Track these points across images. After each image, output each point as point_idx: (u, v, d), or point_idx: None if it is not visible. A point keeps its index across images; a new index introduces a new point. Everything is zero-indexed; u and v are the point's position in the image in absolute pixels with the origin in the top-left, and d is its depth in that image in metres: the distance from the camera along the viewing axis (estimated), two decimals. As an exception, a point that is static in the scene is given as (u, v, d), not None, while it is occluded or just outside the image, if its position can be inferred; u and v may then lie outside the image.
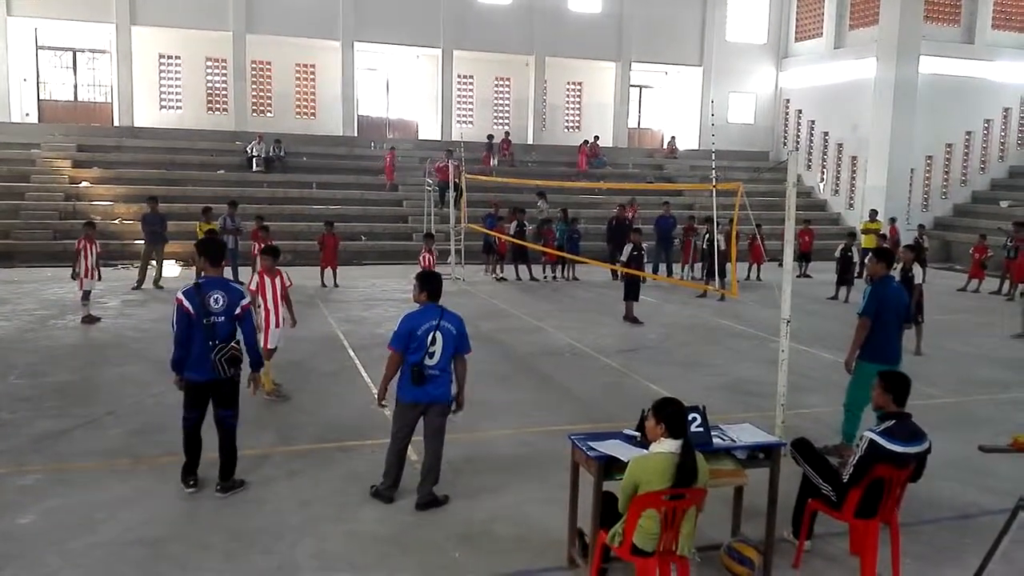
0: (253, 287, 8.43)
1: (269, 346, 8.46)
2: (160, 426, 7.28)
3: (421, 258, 14.42)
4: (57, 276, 16.55)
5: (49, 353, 10.42)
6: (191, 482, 5.99)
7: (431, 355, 5.71)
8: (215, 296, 5.83)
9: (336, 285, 16.65)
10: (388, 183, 24.24)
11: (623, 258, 13.71)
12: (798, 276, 19.06)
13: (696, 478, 4.18)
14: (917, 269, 11.67)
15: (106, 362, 10.02)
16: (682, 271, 19.29)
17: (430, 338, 5.70)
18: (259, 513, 5.70)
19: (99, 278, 12.98)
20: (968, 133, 27.26)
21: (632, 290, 13.46)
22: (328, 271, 16.88)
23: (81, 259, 12.35)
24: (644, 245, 14.22)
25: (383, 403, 6.03)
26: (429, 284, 5.95)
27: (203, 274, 6.10)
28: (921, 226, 21.30)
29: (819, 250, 21.22)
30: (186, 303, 5.78)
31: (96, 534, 5.32)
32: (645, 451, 4.38)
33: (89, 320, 12.31)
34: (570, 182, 23.46)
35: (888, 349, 6.92)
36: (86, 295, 12.47)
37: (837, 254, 17.23)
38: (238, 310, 5.92)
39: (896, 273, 8.45)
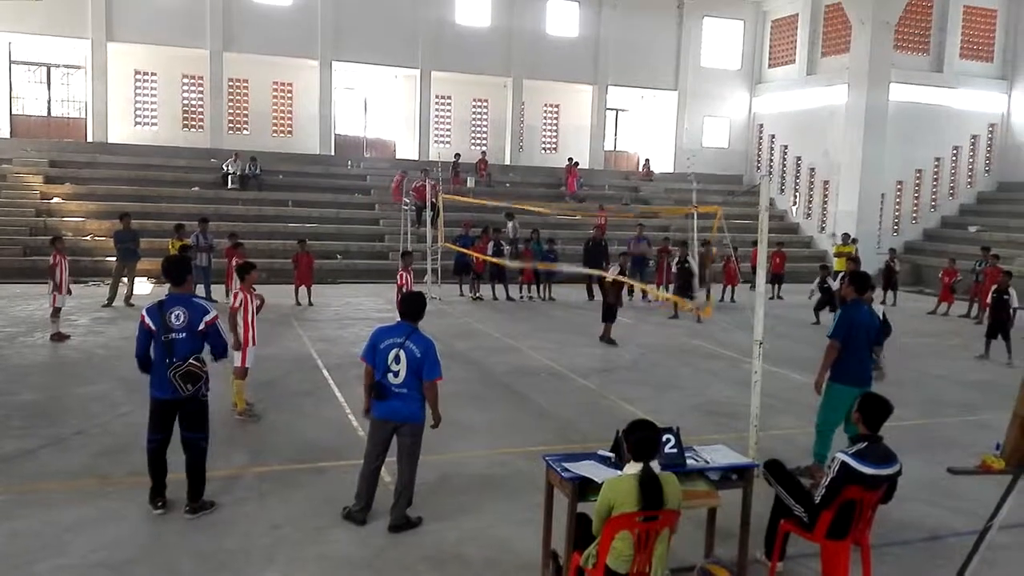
0: (237, 304, 8.38)
1: (247, 364, 8.39)
2: (128, 446, 7.17)
3: (399, 277, 14.34)
4: (27, 293, 16.32)
5: (16, 371, 10.24)
6: (159, 504, 5.90)
7: (395, 374, 5.69)
8: (176, 313, 5.79)
9: (311, 304, 16.55)
10: (394, 202, 23.99)
11: (609, 277, 13.66)
12: (770, 298, 19.23)
13: (662, 500, 4.18)
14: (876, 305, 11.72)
15: (74, 381, 9.86)
16: (657, 291, 19.37)
17: (392, 355, 5.69)
18: (229, 535, 5.62)
19: (70, 293, 12.83)
20: (937, 159, 27.80)
21: (610, 311, 13.50)
22: (303, 289, 16.77)
23: (57, 273, 12.19)
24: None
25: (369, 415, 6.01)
26: (405, 303, 6.01)
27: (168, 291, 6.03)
28: (892, 250, 21.60)
29: (790, 272, 21.45)
30: (148, 319, 5.78)
31: (62, 556, 5.21)
32: (619, 472, 4.38)
33: (58, 338, 12.12)
34: (548, 204, 23.55)
35: (858, 371, 6.99)
36: (56, 312, 12.29)
37: (814, 287, 17.10)
38: (201, 326, 5.87)
39: None
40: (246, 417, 8.34)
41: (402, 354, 5.69)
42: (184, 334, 5.79)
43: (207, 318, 5.90)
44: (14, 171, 22.28)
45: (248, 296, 8.44)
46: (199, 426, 5.96)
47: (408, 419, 5.77)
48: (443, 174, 21.22)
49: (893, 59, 25.01)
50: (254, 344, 8.51)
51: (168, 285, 6.04)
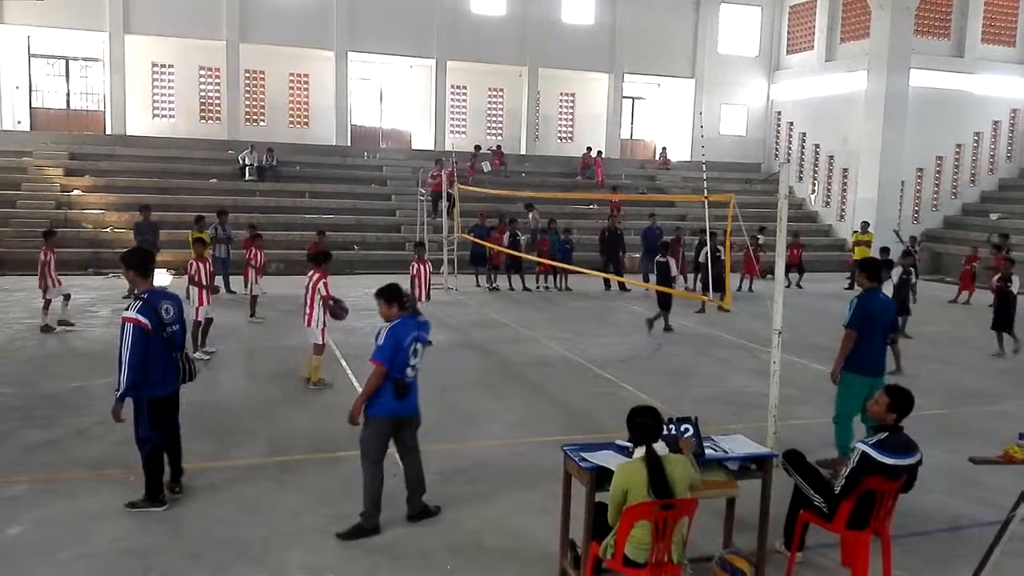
0: (325, 293, 9.20)
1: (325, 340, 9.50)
2: (150, 436, 7.23)
3: (411, 267, 14.29)
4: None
5: (38, 362, 10.37)
6: (176, 489, 6.01)
7: (413, 367, 5.67)
8: (166, 307, 5.79)
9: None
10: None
11: (673, 273, 13.84)
12: (787, 287, 19.08)
13: (667, 481, 4.21)
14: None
15: (95, 371, 9.95)
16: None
17: (411, 349, 5.66)
18: (249, 523, 5.68)
19: (59, 285, 12.76)
20: (958, 146, 27.44)
21: (666, 300, 13.69)
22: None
23: (42, 269, 12.25)
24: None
25: (358, 421, 5.69)
26: (399, 296, 5.75)
27: (137, 287, 5.91)
28: (913, 238, 21.37)
29: (810, 261, 21.30)
30: (143, 320, 5.54)
31: (86, 545, 5.28)
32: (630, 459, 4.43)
33: (47, 329, 12.14)
34: (564, 194, 23.56)
35: (872, 360, 6.95)
36: (47, 304, 12.32)
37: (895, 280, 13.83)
38: (184, 315, 5.98)
39: None
40: (320, 386, 9.31)
41: (418, 345, 5.72)
42: (177, 326, 5.85)
43: (184, 307, 6.04)
44: (34, 164, 22.49)
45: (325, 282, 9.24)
46: (178, 410, 6.11)
47: (417, 410, 5.84)
48: (460, 164, 21.21)
49: (913, 44, 24.66)
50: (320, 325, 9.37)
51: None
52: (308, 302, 9.32)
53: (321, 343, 9.43)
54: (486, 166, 25.96)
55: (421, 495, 5.85)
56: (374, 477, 5.63)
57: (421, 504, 5.83)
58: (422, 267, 13.90)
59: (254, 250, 14.25)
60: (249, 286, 14.08)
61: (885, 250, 15.37)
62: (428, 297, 13.42)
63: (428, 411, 8.57)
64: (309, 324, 9.38)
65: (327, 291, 9.21)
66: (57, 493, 6.09)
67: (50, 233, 13.08)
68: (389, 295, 5.71)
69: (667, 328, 13.75)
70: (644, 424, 4.35)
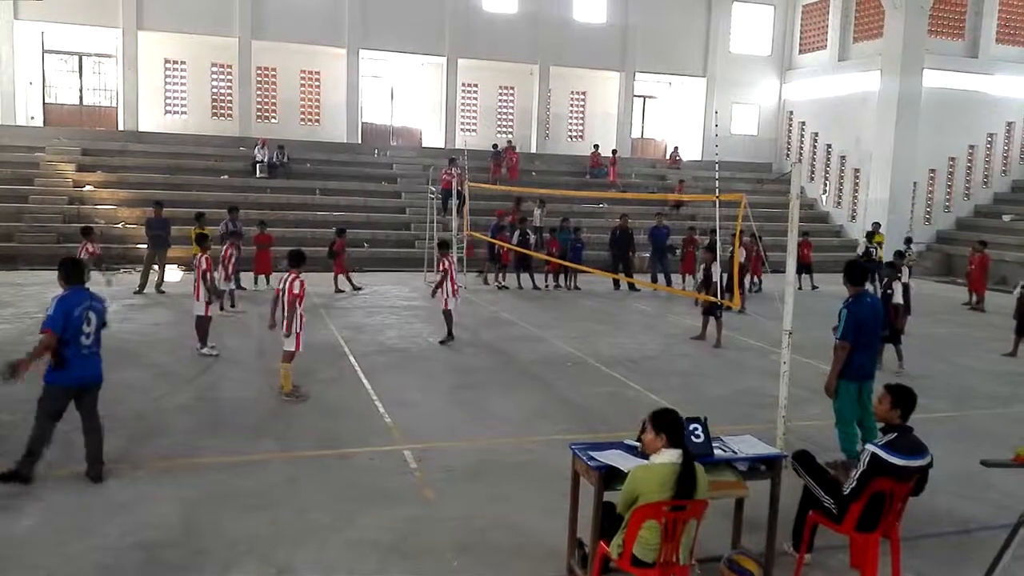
0: (297, 290, 8.75)
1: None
2: (159, 431, 7.27)
3: (448, 266, 13.68)
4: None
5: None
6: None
7: (87, 335, 6.06)
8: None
9: (355, 288, 16.89)
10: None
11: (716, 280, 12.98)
12: (799, 288, 18.97)
13: (695, 488, 4.18)
14: (896, 286, 11.28)
15: (106, 366, 9.94)
16: (683, 281, 19.27)
17: (84, 318, 6.03)
18: (258, 520, 5.68)
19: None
20: (971, 147, 27.27)
21: (711, 308, 12.70)
22: (341, 276, 16.98)
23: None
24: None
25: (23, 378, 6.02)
26: (71, 268, 6.34)
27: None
28: (908, 239, 21.36)
29: (820, 262, 21.23)
30: None
31: (94, 538, 5.30)
32: (646, 461, 4.38)
33: None
34: (575, 191, 23.56)
35: (865, 366, 6.92)
36: None
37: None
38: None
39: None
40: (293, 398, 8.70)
41: (91, 315, 6.10)
42: None
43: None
44: (47, 159, 22.61)
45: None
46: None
47: (99, 379, 6.30)
48: (471, 163, 21.25)
49: (927, 44, 24.52)
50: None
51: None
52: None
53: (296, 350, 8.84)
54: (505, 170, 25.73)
55: (101, 464, 6.20)
56: (40, 435, 6.14)
57: (100, 472, 6.17)
58: (449, 263, 13.63)
59: (231, 249, 14.20)
60: (220, 279, 14.32)
61: (899, 254, 15.27)
62: (434, 295, 13.00)
63: (437, 408, 8.65)
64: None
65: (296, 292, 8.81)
66: (66, 487, 6.12)
67: (88, 230, 13.16)
68: (64, 267, 6.35)
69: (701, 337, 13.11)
70: (677, 422, 4.27)
